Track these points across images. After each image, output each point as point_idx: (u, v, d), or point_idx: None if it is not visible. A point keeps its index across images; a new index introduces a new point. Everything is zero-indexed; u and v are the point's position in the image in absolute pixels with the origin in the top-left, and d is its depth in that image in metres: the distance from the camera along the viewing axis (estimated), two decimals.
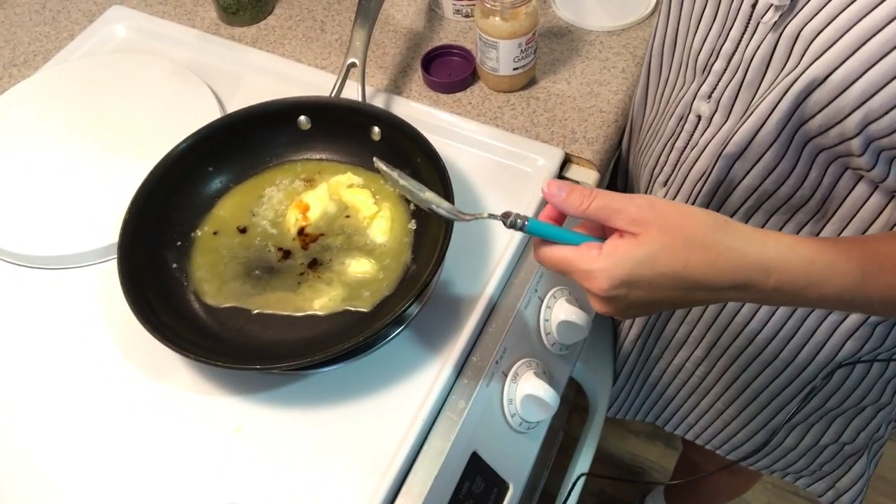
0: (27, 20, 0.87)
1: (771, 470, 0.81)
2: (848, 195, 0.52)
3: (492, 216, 0.46)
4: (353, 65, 0.70)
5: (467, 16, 0.82)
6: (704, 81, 0.55)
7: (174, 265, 0.62)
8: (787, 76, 0.47)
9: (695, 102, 0.57)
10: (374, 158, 0.54)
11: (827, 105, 0.45)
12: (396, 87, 0.77)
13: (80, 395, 0.58)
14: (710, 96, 0.55)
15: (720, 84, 0.53)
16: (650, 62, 0.65)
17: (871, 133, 0.44)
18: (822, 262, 0.42)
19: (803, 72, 0.45)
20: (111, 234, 0.63)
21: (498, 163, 0.70)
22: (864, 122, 0.43)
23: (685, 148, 0.60)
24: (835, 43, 0.42)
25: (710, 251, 0.41)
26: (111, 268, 0.60)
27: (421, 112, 0.73)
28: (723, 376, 0.73)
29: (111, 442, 0.56)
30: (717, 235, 0.41)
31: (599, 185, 0.70)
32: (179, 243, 0.63)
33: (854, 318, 0.60)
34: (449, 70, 0.77)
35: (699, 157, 0.57)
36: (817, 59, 0.44)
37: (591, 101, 0.74)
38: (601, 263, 0.41)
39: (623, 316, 0.45)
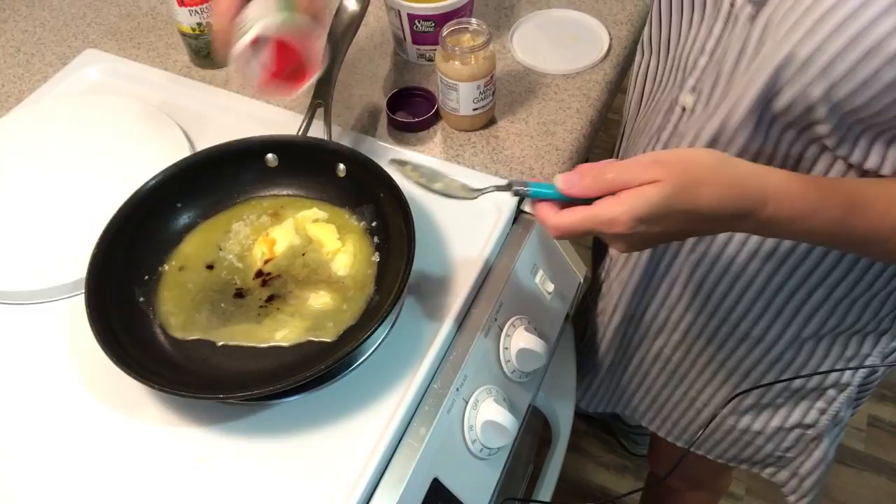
0: (1, 62, 0.89)
1: (739, 460, 0.83)
2: (812, 168, 0.56)
3: (497, 188, 0.53)
4: (319, 104, 0.73)
5: (430, 60, 0.86)
6: (690, 76, 0.60)
7: (141, 299, 0.63)
8: (756, 60, 0.51)
9: (680, 96, 0.61)
10: (390, 159, 0.55)
11: (792, 81, 0.49)
12: (363, 126, 0.80)
13: (46, 429, 0.58)
14: (694, 89, 0.60)
15: (704, 77, 0.58)
16: (645, 72, 0.70)
17: (832, 98, 0.48)
18: (813, 196, 0.48)
19: (772, 54, 0.49)
20: (79, 269, 0.64)
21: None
22: (827, 90, 0.47)
23: (669, 139, 0.64)
24: (799, 23, 0.47)
25: (717, 187, 0.47)
26: (78, 303, 0.61)
27: (386, 150, 0.76)
28: (697, 360, 0.76)
29: (76, 474, 0.56)
30: (721, 172, 0.47)
31: None
32: (147, 277, 0.64)
33: (818, 296, 0.64)
34: (413, 110, 0.81)
35: (679, 144, 0.62)
36: (784, 39, 0.48)
37: (548, 139, 0.77)
38: (622, 207, 0.46)
39: (636, 249, 0.50)
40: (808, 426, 0.75)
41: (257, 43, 0.58)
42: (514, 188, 0.50)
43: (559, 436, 0.81)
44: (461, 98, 0.75)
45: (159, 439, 0.57)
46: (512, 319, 0.66)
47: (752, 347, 0.71)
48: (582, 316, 0.89)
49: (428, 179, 0.54)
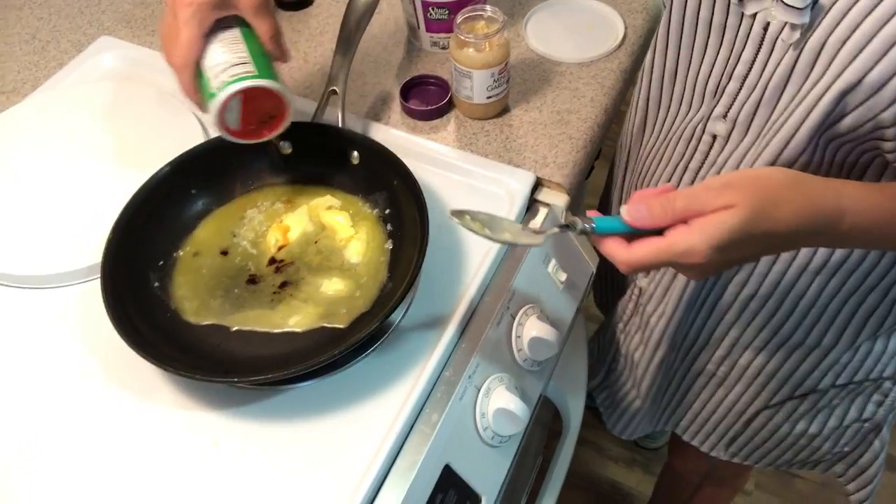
0: (17, 49, 0.89)
1: (791, 463, 0.82)
2: (864, 173, 0.55)
3: (561, 228, 0.49)
4: (333, 92, 0.73)
5: (444, 47, 0.85)
6: (718, 103, 0.58)
7: (156, 284, 0.63)
8: (814, 86, 0.49)
9: (709, 124, 0.59)
10: (449, 212, 0.50)
11: (860, 105, 0.48)
12: (376, 114, 0.80)
13: (61, 412, 0.59)
14: (725, 116, 0.57)
15: (735, 104, 0.56)
16: (648, 94, 0.67)
17: None
18: (888, 205, 0.48)
19: (834, 80, 0.48)
20: (94, 254, 0.65)
21: (472, 186, 0.73)
22: None
23: (700, 168, 0.62)
24: (864, 48, 0.45)
25: (794, 206, 0.45)
26: (93, 287, 0.62)
27: (399, 138, 0.76)
28: (745, 372, 0.74)
29: (91, 456, 0.56)
30: (797, 192, 0.46)
31: (570, 207, 0.73)
32: (161, 263, 0.65)
33: (873, 299, 0.63)
34: (426, 98, 0.80)
35: (718, 173, 0.60)
36: (848, 65, 0.46)
37: (562, 128, 0.77)
38: (699, 236, 0.44)
39: (710, 276, 0.49)
40: (866, 420, 0.74)
41: (232, 97, 0.57)
42: (580, 226, 0.47)
43: (570, 426, 0.81)
44: (475, 86, 0.74)
45: (174, 422, 0.58)
46: (524, 308, 0.66)
47: (805, 355, 0.69)
48: (605, 349, 0.87)
49: (492, 230, 0.50)
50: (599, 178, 0.95)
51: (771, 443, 0.80)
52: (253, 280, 0.64)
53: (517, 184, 0.71)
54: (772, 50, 0.52)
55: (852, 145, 0.53)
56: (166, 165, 0.66)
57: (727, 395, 0.78)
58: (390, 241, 0.65)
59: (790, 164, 0.54)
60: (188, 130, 0.76)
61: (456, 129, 0.78)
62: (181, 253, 0.66)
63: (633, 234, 0.47)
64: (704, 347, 0.75)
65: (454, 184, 0.73)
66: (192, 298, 0.63)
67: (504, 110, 0.79)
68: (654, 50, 0.64)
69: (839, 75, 0.47)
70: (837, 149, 0.53)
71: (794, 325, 0.67)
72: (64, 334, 0.63)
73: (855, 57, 0.46)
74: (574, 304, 0.74)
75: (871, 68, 0.45)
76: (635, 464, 1.46)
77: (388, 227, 0.66)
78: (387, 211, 0.67)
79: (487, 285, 0.65)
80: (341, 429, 0.57)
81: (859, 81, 0.46)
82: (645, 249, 0.46)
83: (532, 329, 0.64)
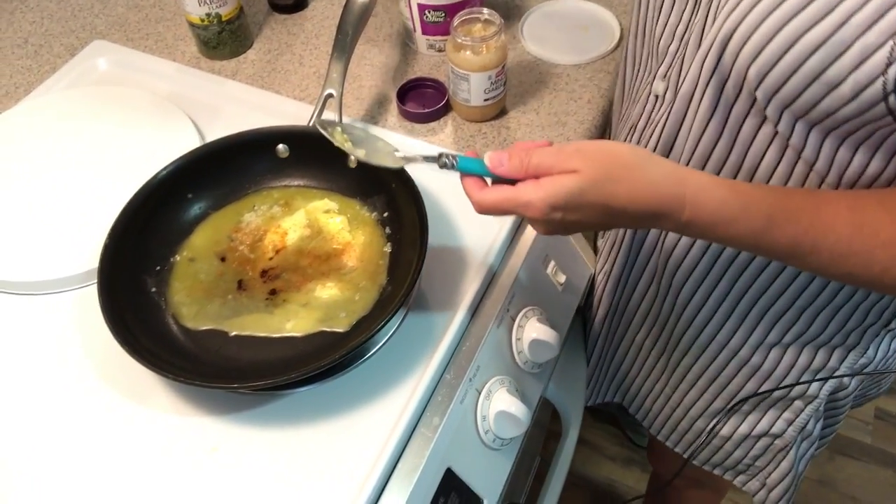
0: (9, 54, 0.89)
1: (711, 464, 0.83)
2: (776, 167, 0.55)
3: (425, 158, 0.52)
4: (330, 95, 0.72)
5: (440, 50, 0.85)
6: (661, 63, 0.59)
7: (153, 289, 0.63)
8: (705, 41, 0.51)
9: (654, 83, 0.60)
10: (315, 124, 0.52)
11: (736, 62, 0.49)
12: (373, 117, 0.80)
13: (59, 419, 0.58)
14: (665, 76, 0.59)
15: (674, 63, 0.57)
16: (626, 58, 0.69)
17: (766, 87, 0.47)
18: (734, 204, 0.48)
19: (718, 33, 0.49)
20: (90, 259, 0.65)
21: None
22: (760, 77, 0.47)
23: (645, 128, 0.63)
24: (738, 5, 0.47)
25: (632, 185, 0.47)
26: (89, 293, 0.61)
27: (397, 141, 0.76)
28: (669, 357, 0.76)
29: (90, 463, 0.56)
30: (639, 171, 0.47)
31: None
32: (158, 268, 0.64)
33: (781, 304, 0.63)
34: (423, 101, 0.80)
35: (653, 132, 0.61)
36: (727, 18, 0.48)
37: (559, 130, 0.77)
38: (539, 193, 0.47)
39: (557, 233, 0.51)
40: (776, 436, 0.75)
41: None
42: (442, 160, 0.50)
43: (570, 427, 0.81)
44: (472, 88, 0.74)
45: (172, 429, 0.58)
46: (524, 310, 0.65)
47: (717, 352, 0.70)
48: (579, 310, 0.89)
49: (353, 144, 0.52)
50: None
51: (691, 434, 0.81)
52: (245, 286, 0.63)
53: None
54: (698, 8, 0.53)
55: (755, 123, 0.52)
56: (163, 170, 0.66)
57: (658, 379, 0.80)
58: (389, 244, 0.65)
59: (691, 128, 0.55)
60: (183, 134, 0.76)
61: (453, 132, 0.78)
62: (178, 258, 0.65)
63: (495, 179, 0.50)
64: (643, 322, 0.77)
65: (452, 186, 0.72)
66: (190, 304, 0.62)
67: (501, 112, 0.79)
68: (632, 13, 0.66)
69: (722, 27, 0.49)
70: (741, 124, 0.53)
71: (706, 316, 0.68)
72: (61, 341, 0.63)
73: (733, 10, 0.48)
74: (573, 306, 0.74)
75: (741, 23, 0.47)
76: (633, 463, 1.47)
77: (387, 230, 0.66)
78: (385, 214, 0.67)
79: (487, 288, 0.65)
80: (342, 433, 0.57)
81: (731, 36, 0.48)
82: (494, 195, 0.49)
83: (532, 331, 0.64)
